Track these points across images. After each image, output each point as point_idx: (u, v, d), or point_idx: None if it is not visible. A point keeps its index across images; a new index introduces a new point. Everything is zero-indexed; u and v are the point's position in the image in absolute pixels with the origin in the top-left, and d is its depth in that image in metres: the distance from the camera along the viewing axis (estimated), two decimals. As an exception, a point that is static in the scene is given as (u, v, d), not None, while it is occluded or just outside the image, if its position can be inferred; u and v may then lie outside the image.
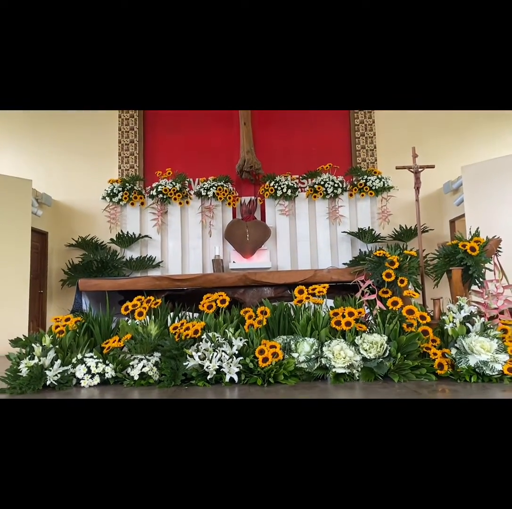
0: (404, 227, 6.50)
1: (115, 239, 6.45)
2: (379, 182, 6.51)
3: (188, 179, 6.87)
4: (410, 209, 6.48)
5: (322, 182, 6.62)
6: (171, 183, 6.55)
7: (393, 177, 6.38)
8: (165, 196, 6.51)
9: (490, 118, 7.20)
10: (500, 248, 3.19)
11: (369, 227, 6.50)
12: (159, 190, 6.49)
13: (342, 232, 6.61)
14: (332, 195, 6.64)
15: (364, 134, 7.33)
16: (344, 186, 6.66)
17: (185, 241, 6.66)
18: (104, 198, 6.55)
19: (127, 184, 6.55)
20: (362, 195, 6.62)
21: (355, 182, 6.67)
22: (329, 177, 6.64)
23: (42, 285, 6.32)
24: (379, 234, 6.51)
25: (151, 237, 6.59)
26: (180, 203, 6.60)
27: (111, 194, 6.51)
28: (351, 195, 6.68)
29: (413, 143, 7.02)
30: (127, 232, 6.49)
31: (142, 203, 6.63)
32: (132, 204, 6.57)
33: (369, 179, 6.56)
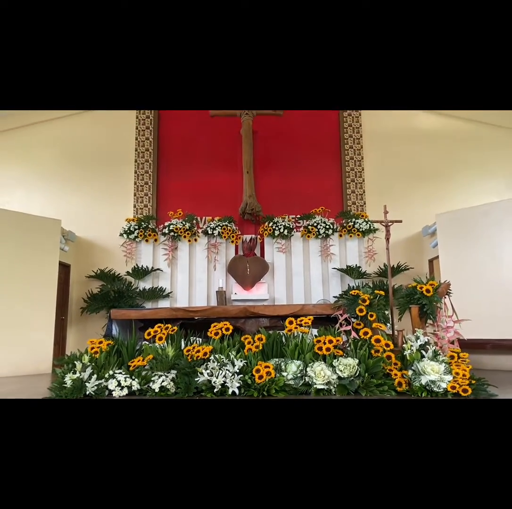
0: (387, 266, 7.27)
1: (130, 271, 7.23)
2: (366, 225, 7.34)
3: (195, 217, 7.69)
4: (393, 249, 7.24)
5: (315, 224, 7.45)
6: (181, 222, 7.39)
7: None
8: (175, 234, 7.34)
9: (466, 167, 8.11)
10: (450, 290, 3.96)
11: (356, 264, 7.29)
12: (170, 228, 7.33)
13: (332, 268, 7.39)
14: (324, 235, 7.46)
15: (354, 180, 8.22)
16: (335, 227, 7.49)
17: (192, 274, 7.44)
18: (121, 235, 7.38)
19: (142, 223, 7.39)
20: (351, 236, 7.45)
21: (345, 224, 7.50)
22: (321, 219, 7.47)
23: (64, 312, 7.05)
24: (365, 271, 7.30)
25: (162, 270, 7.37)
26: (189, 241, 7.43)
27: (128, 231, 7.34)
28: (341, 235, 7.50)
29: (398, 190, 7.97)
30: (141, 266, 7.29)
31: (155, 240, 7.45)
32: (147, 240, 7.40)
33: (357, 222, 7.40)
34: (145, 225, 7.39)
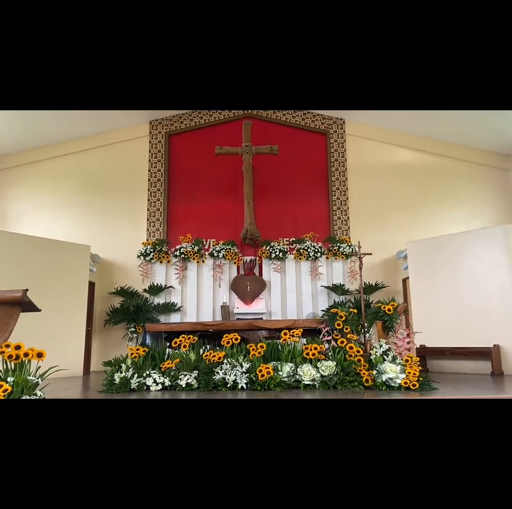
0: (367, 284, 8.50)
1: (147, 288, 8.39)
2: (349, 248, 8.58)
3: (203, 241, 8.86)
4: (372, 270, 8.54)
5: (305, 247, 8.67)
6: (190, 246, 8.58)
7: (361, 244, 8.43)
8: (185, 256, 8.52)
9: (438, 198, 9.37)
10: (407, 310, 5.16)
11: (340, 283, 8.52)
12: (181, 251, 8.51)
13: (320, 286, 8.61)
14: (313, 258, 8.68)
15: (340, 208, 9.45)
16: (323, 250, 8.71)
17: (200, 291, 8.61)
18: (139, 256, 8.55)
19: (157, 247, 8.57)
20: (336, 258, 8.68)
21: (331, 248, 8.74)
22: (311, 243, 8.70)
23: (89, 324, 8.15)
24: (348, 288, 8.52)
25: (174, 287, 8.54)
26: (198, 262, 8.62)
27: (144, 254, 8.52)
28: (327, 258, 8.73)
29: (377, 217, 9.21)
30: (156, 283, 8.45)
31: (168, 261, 8.63)
32: (161, 261, 8.57)
33: (341, 246, 8.65)
34: (159, 248, 8.56)
